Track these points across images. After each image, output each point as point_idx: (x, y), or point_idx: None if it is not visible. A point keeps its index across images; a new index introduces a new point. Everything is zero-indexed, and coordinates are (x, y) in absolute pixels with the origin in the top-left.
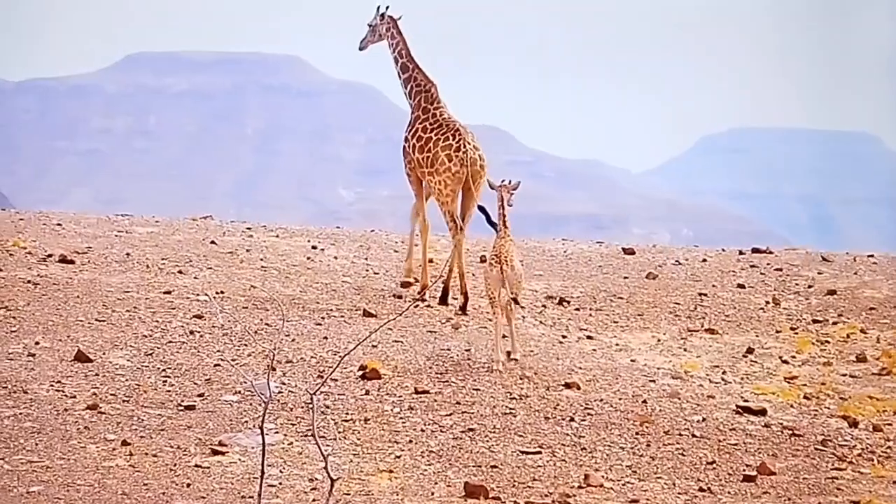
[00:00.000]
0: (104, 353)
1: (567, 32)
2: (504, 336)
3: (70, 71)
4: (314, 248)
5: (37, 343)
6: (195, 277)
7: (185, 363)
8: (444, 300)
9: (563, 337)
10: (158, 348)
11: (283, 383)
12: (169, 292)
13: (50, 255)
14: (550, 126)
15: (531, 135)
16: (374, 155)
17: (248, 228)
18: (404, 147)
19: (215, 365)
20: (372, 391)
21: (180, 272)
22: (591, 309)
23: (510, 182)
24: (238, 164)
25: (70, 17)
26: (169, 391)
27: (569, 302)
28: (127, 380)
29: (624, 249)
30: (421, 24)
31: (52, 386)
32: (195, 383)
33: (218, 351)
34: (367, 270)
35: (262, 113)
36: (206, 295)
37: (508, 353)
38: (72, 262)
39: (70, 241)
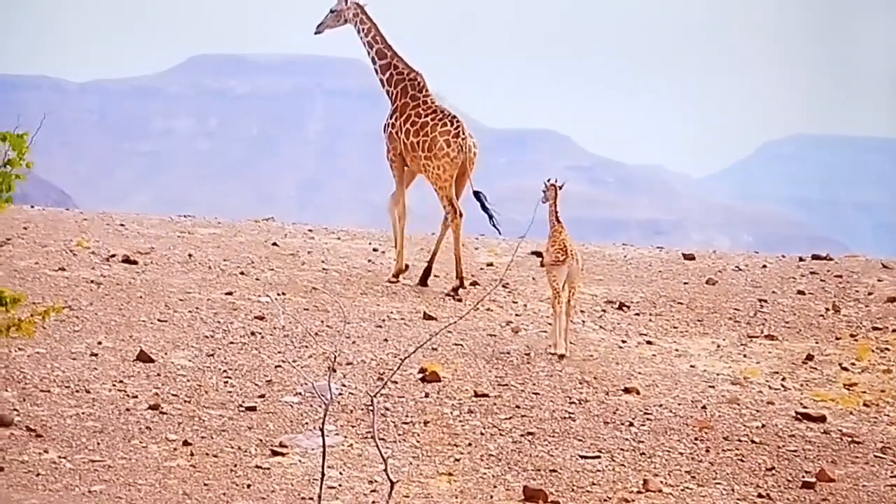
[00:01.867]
0: (166, 354)
1: (628, 37)
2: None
3: (133, 72)
4: (375, 250)
5: (99, 343)
6: (257, 279)
7: (247, 364)
8: (424, 281)
9: (623, 342)
10: (220, 349)
11: (344, 385)
12: (230, 293)
13: (113, 256)
14: (610, 131)
15: (591, 140)
16: None
17: (310, 230)
18: (390, 133)
19: (276, 366)
20: (432, 394)
21: (242, 273)
22: (650, 314)
23: (555, 181)
24: (300, 166)
25: (133, 18)
26: (230, 392)
27: (628, 307)
28: (188, 380)
29: (684, 255)
30: (477, 29)
31: (114, 386)
32: (256, 384)
33: (279, 352)
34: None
35: (323, 115)
36: (268, 296)
37: (561, 356)
38: (134, 262)
39: (133, 242)
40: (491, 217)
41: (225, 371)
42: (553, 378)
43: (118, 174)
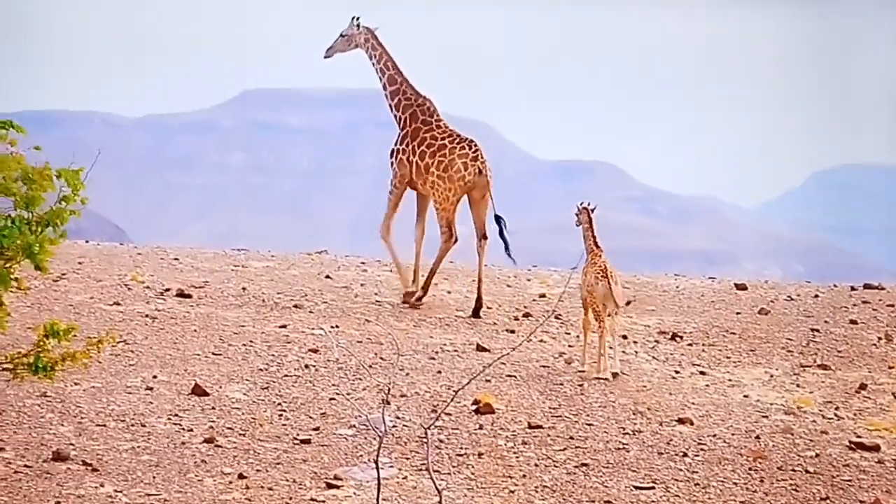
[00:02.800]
0: (221, 387)
1: (679, 70)
2: (600, 350)
3: (186, 107)
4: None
5: (154, 377)
6: (310, 311)
7: (301, 397)
8: (477, 313)
9: (676, 372)
10: (274, 382)
11: (398, 417)
12: (284, 326)
13: (167, 290)
14: (663, 162)
15: (644, 171)
16: None
17: (363, 263)
18: (401, 159)
19: (330, 399)
20: (486, 425)
21: (296, 306)
22: (703, 344)
23: (587, 204)
24: (352, 198)
25: (186, 54)
26: (285, 425)
27: (681, 337)
28: (243, 413)
29: (736, 285)
30: (527, 60)
31: (169, 419)
32: (311, 417)
33: (333, 385)
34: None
35: (375, 148)
36: (322, 329)
37: (614, 374)
38: (189, 296)
39: (187, 276)
40: (507, 245)
41: (279, 404)
42: (606, 409)
43: (172, 208)
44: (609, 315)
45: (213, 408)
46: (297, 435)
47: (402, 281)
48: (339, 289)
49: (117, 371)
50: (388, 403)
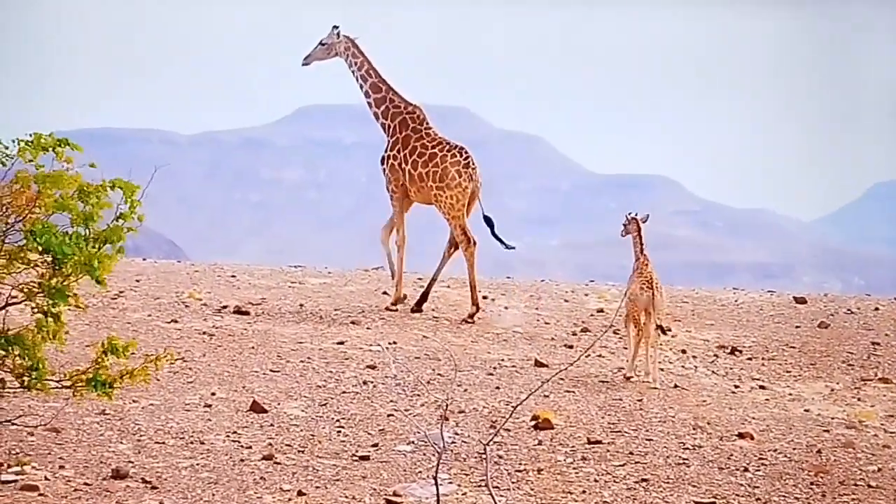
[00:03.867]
0: (279, 404)
1: (736, 83)
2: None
3: (242, 124)
4: (485, 297)
5: (213, 394)
6: (368, 328)
7: (359, 413)
8: (419, 307)
9: (736, 387)
10: (332, 398)
11: (457, 433)
12: (342, 343)
13: (225, 307)
14: (719, 175)
15: (699, 184)
16: (542, 205)
17: (420, 279)
18: (392, 165)
19: (389, 415)
20: (545, 441)
21: (353, 323)
22: (763, 358)
23: (636, 214)
24: (407, 214)
25: (241, 71)
26: (343, 441)
27: (741, 351)
28: (302, 430)
29: (795, 298)
30: (582, 75)
31: (228, 436)
32: (369, 433)
33: (391, 401)
34: (538, 320)
35: None
36: (379, 345)
37: (627, 378)
38: (246, 313)
39: (244, 293)
40: (500, 240)
41: (338, 420)
42: (666, 424)
43: (228, 225)
44: (647, 324)
45: (272, 425)
46: (356, 451)
47: (396, 286)
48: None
49: (176, 388)
50: (447, 419)
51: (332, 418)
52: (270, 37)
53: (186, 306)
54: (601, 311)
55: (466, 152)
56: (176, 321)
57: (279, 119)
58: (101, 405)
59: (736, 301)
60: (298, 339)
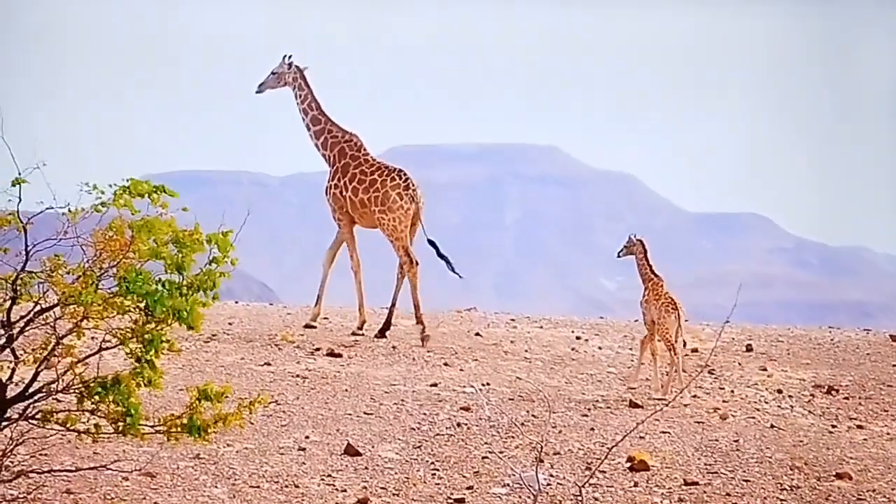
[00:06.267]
0: (373, 447)
1: (827, 117)
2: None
3: None
4: (578, 338)
5: (307, 437)
6: (461, 369)
7: (454, 455)
8: (383, 333)
9: (833, 426)
10: (426, 441)
11: (552, 475)
12: (435, 384)
13: (318, 349)
14: (811, 212)
15: (792, 221)
16: None
17: (512, 320)
18: (335, 194)
19: (483, 457)
20: (640, 483)
21: (446, 364)
22: (860, 398)
23: (634, 236)
24: (499, 254)
25: (331, 112)
26: (438, 484)
27: (837, 391)
28: (396, 473)
29: (892, 337)
30: (677, 114)
31: (322, 480)
32: (464, 476)
33: (486, 443)
34: (633, 361)
35: (521, 203)
36: (472, 387)
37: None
38: (339, 355)
39: (337, 335)
40: (448, 262)
41: (432, 463)
42: (763, 464)
43: (320, 267)
44: (675, 344)
45: (366, 468)
46: (451, 494)
47: (314, 312)
48: (489, 346)
49: (269, 432)
50: (542, 461)
51: (427, 461)
52: (360, 80)
53: (279, 349)
54: (696, 350)
55: (406, 175)
56: (269, 364)
57: None
58: (196, 449)
59: (832, 339)
60: (391, 382)
